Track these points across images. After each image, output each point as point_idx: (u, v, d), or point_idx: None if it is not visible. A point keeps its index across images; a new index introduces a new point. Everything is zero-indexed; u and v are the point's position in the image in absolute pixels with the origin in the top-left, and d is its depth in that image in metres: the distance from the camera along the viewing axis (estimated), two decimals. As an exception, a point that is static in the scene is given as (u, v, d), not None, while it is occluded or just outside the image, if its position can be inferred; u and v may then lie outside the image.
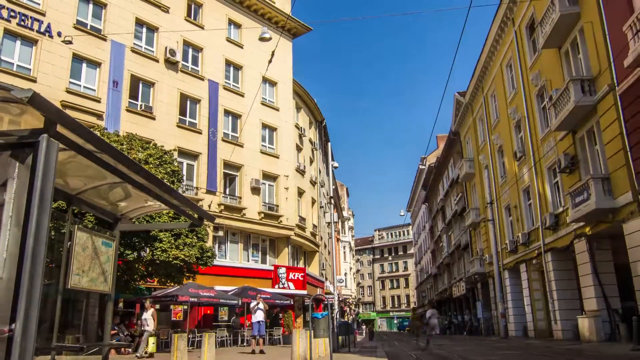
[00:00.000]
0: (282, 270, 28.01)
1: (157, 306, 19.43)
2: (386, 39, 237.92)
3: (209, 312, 24.70)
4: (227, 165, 26.49)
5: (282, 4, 31.75)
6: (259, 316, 15.74)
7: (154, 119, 23.74)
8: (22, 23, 20.00)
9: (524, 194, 23.82)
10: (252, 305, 16.46)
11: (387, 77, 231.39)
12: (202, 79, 26.50)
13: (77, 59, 21.60)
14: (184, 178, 21.56)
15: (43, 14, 20.70)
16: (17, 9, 19.94)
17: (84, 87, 21.69)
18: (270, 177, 28.89)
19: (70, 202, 7.00)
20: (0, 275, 3.64)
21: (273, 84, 30.63)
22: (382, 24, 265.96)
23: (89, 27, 22.31)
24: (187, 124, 25.28)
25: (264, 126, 29.34)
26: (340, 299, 50.48)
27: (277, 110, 30.36)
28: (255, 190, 27.43)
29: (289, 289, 27.66)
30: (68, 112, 17.12)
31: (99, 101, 21.77)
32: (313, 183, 35.96)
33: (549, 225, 19.84)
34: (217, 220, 23.97)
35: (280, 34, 28.06)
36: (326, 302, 19.87)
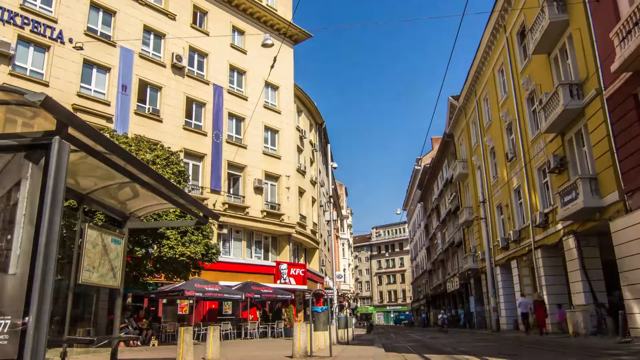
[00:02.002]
0: (284, 266, 28.02)
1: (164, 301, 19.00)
2: (383, 44, 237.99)
3: (213, 306, 24.71)
4: (231, 165, 26.49)
5: (283, 12, 31.75)
6: None
7: (161, 121, 23.74)
8: (35, 30, 20.00)
9: (515, 193, 23.82)
10: None
11: (384, 80, 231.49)
12: (207, 84, 26.49)
13: (88, 64, 21.60)
14: (190, 178, 21.55)
15: (55, 21, 20.70)
16: (30, 16, 19.94)
17: (94, 91, 21.69)
18: (272, 177, 28.89)
19: (81, 201, 7.00)
20: (14, 271, 3.64)
21: (275, 88, 30.63)
22: (380, 30, 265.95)
23: (99, 34, 22.31)
24: (192, 126, 25.28)
25: (267, 128, 29.34)
26: (339, 293, 50.48)
27: (279, 113, 30.37)
28: (258, 190, 27.44)
29: (290, 284, 27.68)
30: (79, 115, 17.13)
31: (108, 104, 21.77)
32: (313, 183, 35.95)
33: (539, 224, 19.83)
34: (222, 219, 23.98)
35: (282, 41, 28.07)
36: (326, 297, 19.87)
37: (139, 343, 15.94)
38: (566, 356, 9.38)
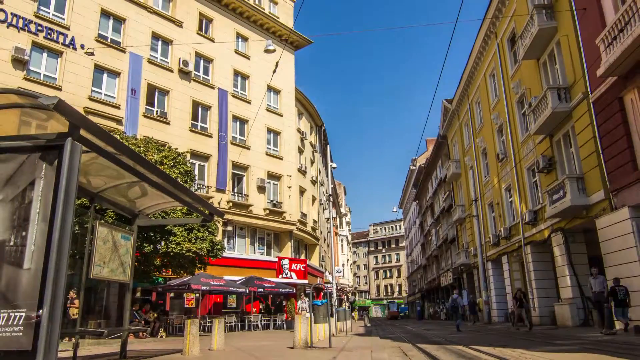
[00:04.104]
0: (285, 261, 28.02)
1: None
2: (381, 49, 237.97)
3: (218, 299, 24.72)
4: (235, 166, 26.49)
5: (285, 19, 31.74)
6: None
7: (168, 123, 23.73)
8: (49, 36, 19.99)
9: (506, 192, 23.82)
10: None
11: (381, 83, 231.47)
12: (213, 88, 26.48)
13: (99, 69, 21.59)
14: (196, 178, 21.53)
15: (67, 28, 20.69)
16: (44, 24, 19.93)
17: (105, 94, 21.68)
18: (274, 176, 28.89)
19: (93, 199, 7.01)
20: (29, 266, 3.65)
21: (277, 91, 30.62)
22: (377, 35, 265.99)
23: (109, 40, 22.30)
24: (198, 128, 25.27)
25: (269, 130, 29.34)
26: (338, 287, 50.47)
27: (281, 115, 30.36)
28: (261, 189, 27.44)
29: (292, 278, 27.68)
30: (90, 117, 17.09)
31: (118, 107, 21.76)
32: (313, 182, 35.95)
33: (528, 221, 19.84)
34: (226, 216, 23.98)
35: (283, 47, 28.08)
36: (325, 291, 19.88)
37: (147, 335, 15.95)
38: (552, 346, 9.41)
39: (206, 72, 26.70)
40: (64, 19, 20.78)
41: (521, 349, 8.87)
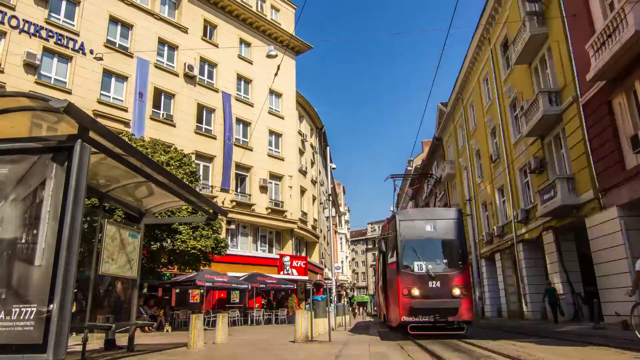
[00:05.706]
0: (287, 258, 28.02)
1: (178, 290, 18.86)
2: (378, 53, 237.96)
3: (222, 295, 24.72)
4: (238, 166, 26.49)
5: (286, 25, 31.74)
6: None
7: (174, 126, 23.73)
8: (59, 42, 20.00)
9: (499, 192, 23.81)
10: None
11: (379, 86, 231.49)
12: (217, 91, 26.48)
13: (107, 73, 21.59)
14: (201, 178, 21.54)
15: (77, 34, 20.70)
16: (54, 30, 19.94)
17: (113, 98, 21.69)
18: (276, 177, 28.89)
19: (101, 198, 7.01)
20: (39, 263, 3.65)
21: (279, 95, 30.62)
22: (375, 40, 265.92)
23: (117, 46, 22.31)
24: (203, 130, 25.27)
25: (271, 132, 29.34)
26: (338, 284, 50.42)
27: (282, 118, 30.36)
28: (263, 189, 27.44)
29: (293, 275, 27.68)
30: (99, 120, 17.10)
31: (126, 110, 21.76)
32: (314, 182, 35.95)
33: (520, 220, 19.83)
34: (230, 215, 23.95)
35: (284, 52, 28.09)
36: (325, 287, 19.88)
37: (154, 329, 15.94)
38: (542, 338, 9.42)
39: (210, 76, 26.71)
40: (73, 25, 20.79)
41: (520, 342, 8.87)
